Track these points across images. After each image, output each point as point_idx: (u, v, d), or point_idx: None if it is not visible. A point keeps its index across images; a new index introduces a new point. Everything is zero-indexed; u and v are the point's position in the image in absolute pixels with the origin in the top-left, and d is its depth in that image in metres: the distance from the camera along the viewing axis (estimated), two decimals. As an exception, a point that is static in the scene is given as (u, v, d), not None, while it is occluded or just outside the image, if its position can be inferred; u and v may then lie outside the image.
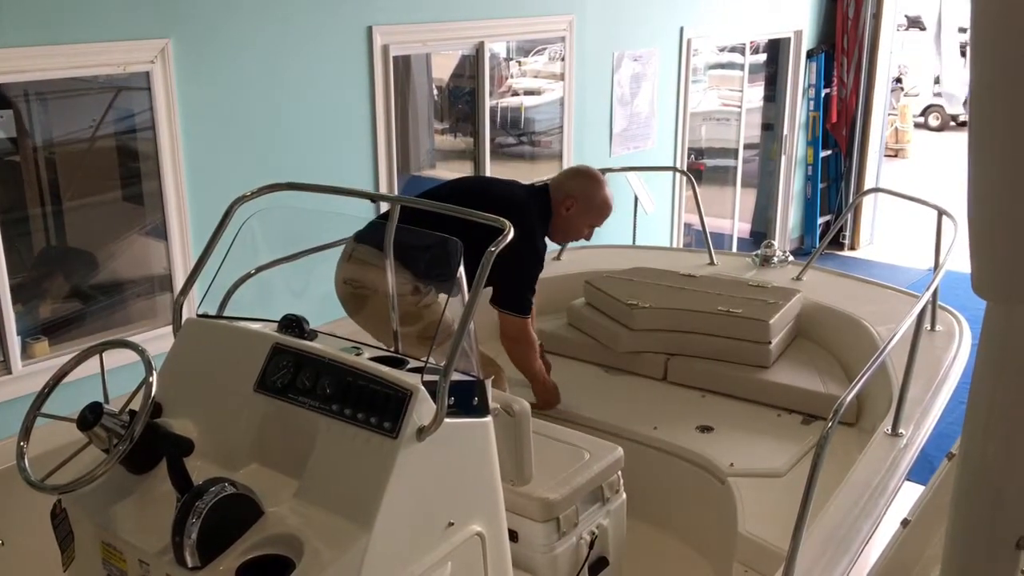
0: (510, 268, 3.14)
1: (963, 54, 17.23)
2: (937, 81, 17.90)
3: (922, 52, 18.60)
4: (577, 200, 3.35)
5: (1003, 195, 0.87)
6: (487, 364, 3.18)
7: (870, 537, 2.41)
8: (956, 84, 17.95)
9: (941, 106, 18.46)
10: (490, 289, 3.27)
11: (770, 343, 3.60)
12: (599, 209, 3.41)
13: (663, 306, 3.75)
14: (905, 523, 2.27)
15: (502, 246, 2.06)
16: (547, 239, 3.43)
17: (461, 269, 2.18)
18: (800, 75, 9.00)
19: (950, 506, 1.03)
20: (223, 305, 2.43)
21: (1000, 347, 0.93)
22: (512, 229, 2.10)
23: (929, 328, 3.55)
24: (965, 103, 16.84)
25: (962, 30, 18.14)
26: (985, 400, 0.95)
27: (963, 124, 17.49)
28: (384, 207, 3.46)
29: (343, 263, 3.03)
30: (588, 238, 3.53)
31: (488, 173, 6.22)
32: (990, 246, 0.90)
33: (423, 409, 1.89)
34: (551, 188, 3.38)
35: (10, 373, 4.10)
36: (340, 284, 3.05)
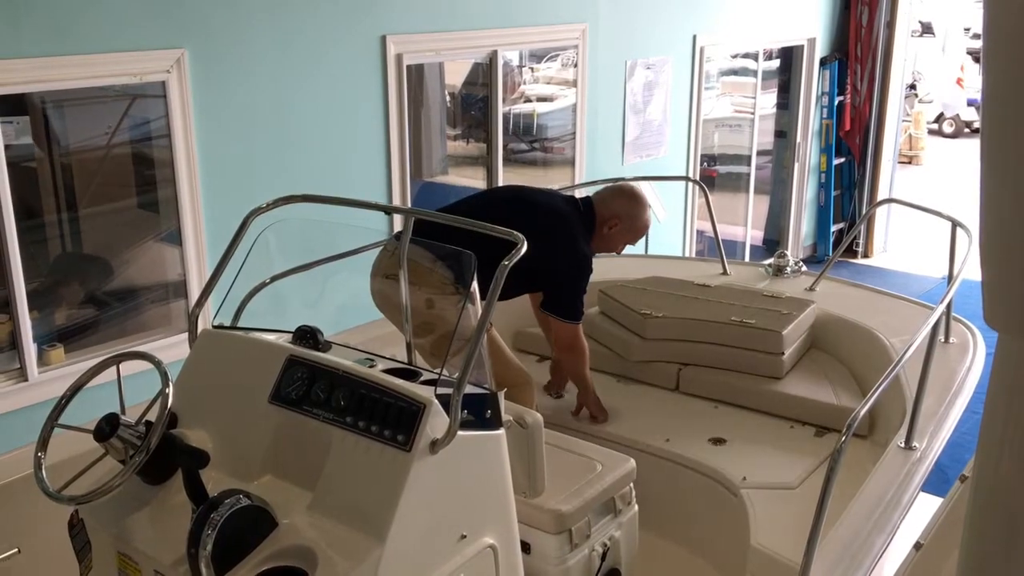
0: (561, 275, 3.24)
1: (976, 60, 17.14)
2: (913, 86, 17.62)
3: (934, 58, 18.52)
4: (622, 220, 3.42)
5: (1016, 227, 0.87)
6: (519, 373, 3.20)
7: (883, 551, 2.41)
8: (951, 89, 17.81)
9: (956, 113, 18.37)
10: (509, 299, 3.30)
11: (783, 354, 3.60)
12: (639, 231, 3.51)
13: (676, 315, 3.75)
14: (918, 546, 2.26)
15: (515, 259, 2.07)
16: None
17: (475, 284, 2.18)
18: (813, 83, 8.98)
19: (963, 532, 1.03)
20: (238, 315, 2.44)
21: (1013, 378, 0.93)
22: (525, 243, 2.10)
23: (943, 340, 3.54)
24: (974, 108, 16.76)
25: (970, 33, 18.06)
26: (998, 429, 0.95)
27: (977, 131, 17.38)
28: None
29: (384, 259, 3.06)
30: (619, 253, 3.62)
31: (500, 180, 6.24)
32: (1003, 276, 0.90)
33: (436, 422, 1.90)
34: (595, 204, 3.44)
35: (26, 380, 4.13)
36: (380, 279, 3.06)
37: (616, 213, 3.42)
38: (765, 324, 3.63)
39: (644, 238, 6.46)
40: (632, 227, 3.46)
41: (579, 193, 5.66)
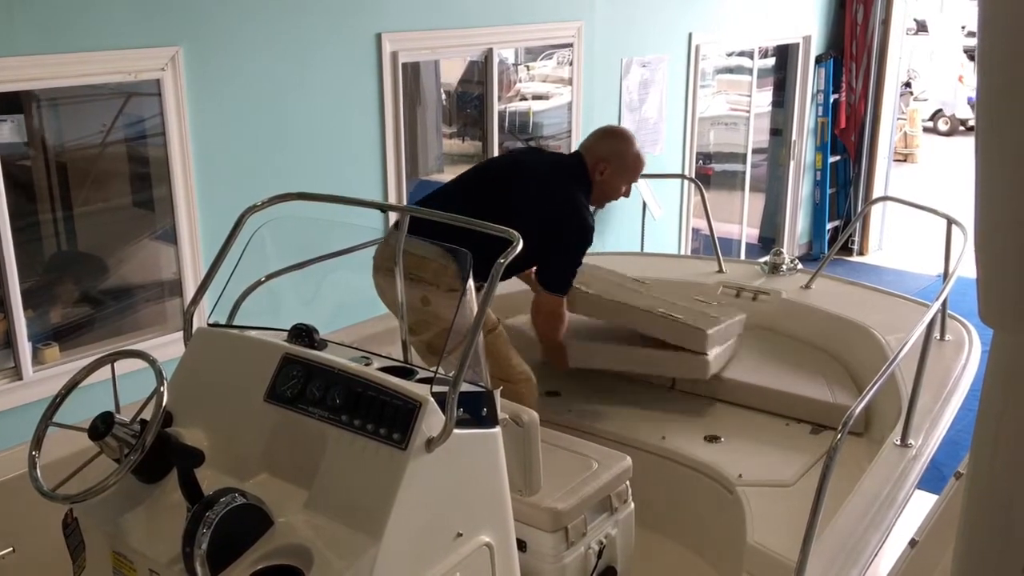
0: (558, 246, 3.15)
1: (971, 58, 17.16)
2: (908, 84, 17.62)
3: (929, 55, 18.54)
4: (610, 163, 3.29)
5: (1011, 225, 0.87)
6: (521, 371, 3.19)
7: (879, 549, 2.41)
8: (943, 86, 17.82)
9: (952, 112, 18.41)
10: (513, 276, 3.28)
11: (707, 354, 3.47)
12: (633, 167, 3.36)
13: (607, 296, 3.59)
14: (913, 543, 2.26)
15: (511, 258, 2.06)
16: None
17: (471, 281, 2.18)
18: (809, 80, 8.98)
19: (957, 529, 1.03)
20: (233, 314, 2.44)
21: (1008, 377, 0.93)
22: (520, 241, 2.10)
23: (939, 337, 3.54)
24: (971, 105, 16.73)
25: (966, 31, 18.08)
26: (992, 427, 0.96)
27: (972, 129, 17.37)
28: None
29: (382, 252, 3.05)
30: (627, 195, 3.47)
31: (496, 179, 6.22)
32: (997, 275, 0.90)
33: (432, 420, 1.90)
34: (584, 154, 3.33)
35: (21, 379, 4.12)
36: (379, 273, 3.05)
37: (601, 156, 3.30)
38: (692, 321, 3.52)
39: (640, 236, 6.42)
40: (623, 166, 3.32)
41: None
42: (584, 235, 3.19)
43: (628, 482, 2.78)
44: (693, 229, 8.08)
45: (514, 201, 3.18)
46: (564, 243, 3.18)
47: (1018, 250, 0.87)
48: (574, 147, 6.66)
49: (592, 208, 3.36)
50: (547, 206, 3.18)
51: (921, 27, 19.45)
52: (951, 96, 18.25)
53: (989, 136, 0.91)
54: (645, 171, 3.50)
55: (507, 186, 3.27)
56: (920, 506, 2.63)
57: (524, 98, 6.76)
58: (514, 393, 2.87)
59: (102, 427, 1.93)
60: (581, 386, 3.70)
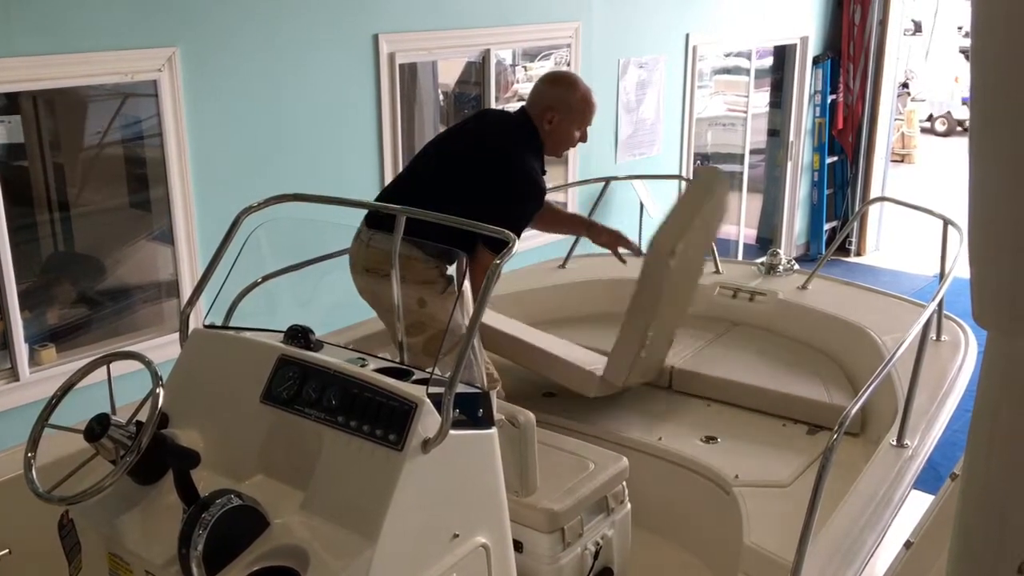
0: (501, 200, 2.98)
1: (967, 58, 17.17)
2: (905, 85, 17.64)
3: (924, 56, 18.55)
4: (556, 110, 3.17)
5: (1004, 226, 0.87)
6: (487, 375, 3.17)
7: (875, 549, 2.41)
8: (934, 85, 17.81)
9: (948, 111, 18.42)
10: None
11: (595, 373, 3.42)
12: (581, 110, 3.23)
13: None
14: (908, 544, 2.26)
15: (507, 258, 2.06)
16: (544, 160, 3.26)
17: (467, 283, 2.18)
18: (806, 81, 8.99)
19: (952, 530, 1.03)
20: (229, 315, 2.44)
21: (1002, 378, 0.94)
22: (516, 242, 2.10)
23: (935, 338, 3.54)
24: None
25: (963, 32, 18.09)
26: (987, 428, 0.96)
27: (968, 130, 17.36)
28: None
29: (361, 250, 2.97)
30: (584, 140, 3.35)
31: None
32: (991, 276, 0.90)
33: (428, 421, 1.90)
34: (528, 108, 3.21)
35: (18, 380, 4.11)
36: (361, 273, 2.99)
37: (547, 106, 3.17)
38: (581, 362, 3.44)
39: (638, 237, 6.41)
40: (569, 110, 3.18)
41: (573, 196, 5.66)
42: (525, 187, 3.05)
43: (624, 483, 2.78)
44: (691, 230, 8.07)
45: (456, 170, 3.09)
46: (505, 195, 3.03)
47: (1011, 251, 0.87)
48: (571, 148, 6.68)
49: (544, 160, 3.24)
50: (485, 166, 3.08)
51: (918, 28, 19.47)
52: (948, 96, 18.27)
53: (982, 137, 0.91)
54: (642, 172, 3.48)
55: (448, 158, 3.18)
56: (916, 507, 2.63)
57: (522, 99, 6.72)
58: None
59: (98, 428, 1.93)
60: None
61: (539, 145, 3.19)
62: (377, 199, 3.17)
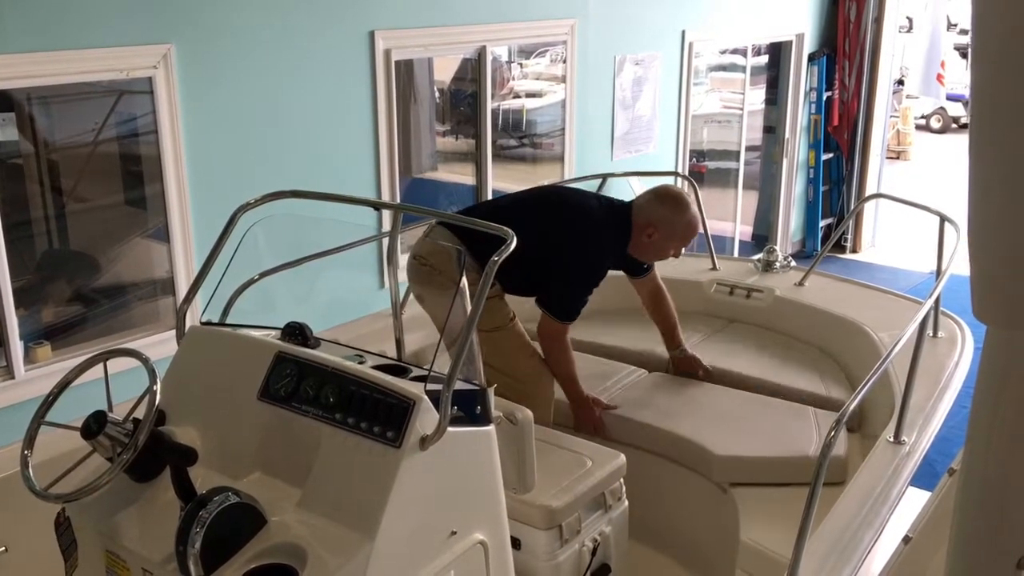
0: (556, 268, 3.17)
1: (963, 55, 17.16)
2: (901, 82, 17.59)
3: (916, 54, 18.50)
4: (658, 228, 3.30)
5: (1004, 222, 0.87)
6: (528, 374, 3.20)
7: (872, 546, 2.41)
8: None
9: (943, 108, 18.43)
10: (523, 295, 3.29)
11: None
12: (683, 234, 3.36)
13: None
14: (907, 540, 2.26)
15: (504, 256, 2.06)
16: (627, 257, 3.40)
17: (464, 279, 2.18)
18: (802, 78, 8.99)
19: (951, 525, 1.03)
20: (226, 312, 2.43)
21: (1001, 372, 0.94)
22: (515, 239, 2.10)
23: (931, 335, 3.55)
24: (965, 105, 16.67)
25: (956, 28, 18.06)
26: (986, 423, 0.96)
27: (964, 126, 17.40)
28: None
29: (420, 239, 3.13)
30: (677, 256, 3.46)
31: (490, 176, 6.23)
32: (991, 271, 0.90)
33: (426, 419, 1.90)
34: (633, 210, 3.34)
35: (13, 378, 4.10)
36: (410, 258, 3.13)
37: (651, 221, 3.30)
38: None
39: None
40: (672, 233, 3.32)
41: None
42: (581, 265, 3.19)
43: (622, 480, 2.79)
44: (687, 227, 8.07)
45: (542, 227, 3.21)
46: (561, 265, 3.18)
47: (1011, 247, 0.87)
48: (568, 144, 6.69)
49: (624, 259, 3.39)
50: (560, 231, 3.20)
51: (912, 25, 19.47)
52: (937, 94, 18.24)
53: (982, 133, 0.91)
54: (638, 168, 3.51)
55: (544, 212, 3.31)
56: (914, 503, 2.63)
57: (518, 96, 6.75)
58: (518, 392, 2.86)
59: (94, 426, 1.92)
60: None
61: (624, 239, 3.30)
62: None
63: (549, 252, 3.14)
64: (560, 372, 3.31)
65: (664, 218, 3.30)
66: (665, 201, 3.35)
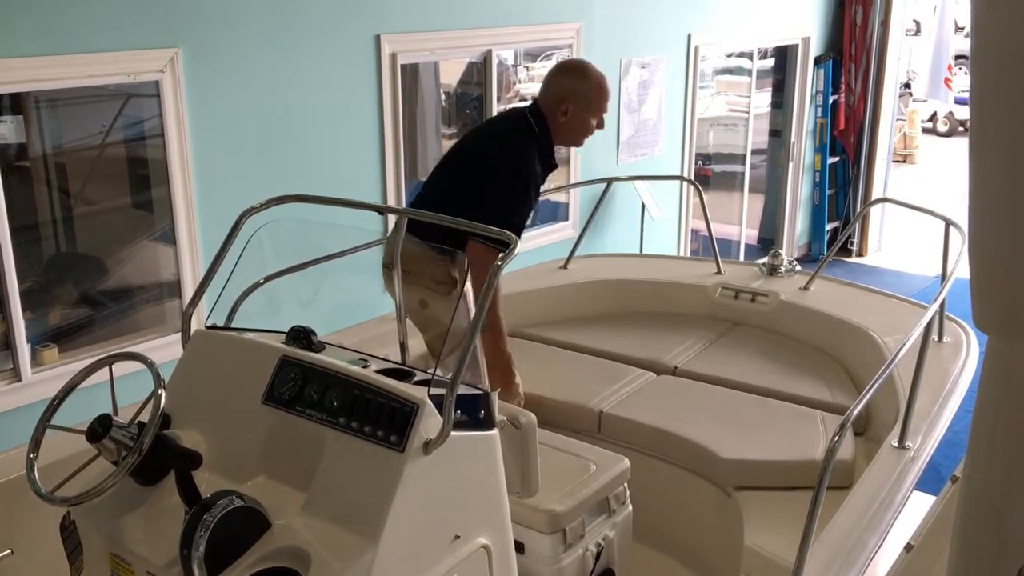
0: (492, 186, 3.00)
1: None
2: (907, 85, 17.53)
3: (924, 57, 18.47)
4: (570, 101, 3.14)
5: (1004, 230, 0.87)
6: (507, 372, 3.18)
7: (877, 551, 2.41)
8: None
9: (951, 111, 18.38)
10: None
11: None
12: (596, 99, 3.20)
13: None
14: (909, 548, 2.26)
15: (508, 260, 2.06)
16: (554, 152, 3.24)
17: (469, 284, 2.18)
18: (808, 82, 8.99)
19: (952, 534, 1.03)
20: (231, 316, 2.44)
21: (1003, 381, 0.93)
22: (517, 244, 2.10)
23: (937, 339, 3.54)
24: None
25: (963, 31, 18.02)
26: (988, 432, 0.96)
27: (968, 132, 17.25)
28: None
29: (385, 246, 3.04)
30: (602, 127, 3.31)
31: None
32: (991, 281, 0.90)
33: (430, 423, 1.90)
34: (540, 102, 3.18)
35: (20, 380, 4.12)
36: (383, 269, 3.03)
37: (561, 97, 3.14)
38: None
39: (639, 237, 6.39)
40: (585, 101, 3.16)
41: (575, 196, 5.65)
42: (517, 171, 3.01)
43: (626, 484, 2.78)
44: (692, 231, 8.08)
45: (459, 168, 3.13)
46: (496, 181, 3.03)
47: (1011, 255, 0.87)
48: (573, 149, 6.68)
49: (552, 154, 3.22)
50: (483, 159, 3.10)
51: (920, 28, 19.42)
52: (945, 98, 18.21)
53: (982, 141, 0.91)
54: (643, 172, 3.48)
55: (454, 158, 3.21)
56: (918, 507, 2.63)
57: (523, 99, 6.75)
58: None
59: (100, 429, 1.93)
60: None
61: (543, 137, 3.16)
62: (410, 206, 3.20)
63: (477, 180, 3.02)
64: (492, 317, 3.03)
65: (572, 88, 3.16)
66: (567, 72, 3.24)
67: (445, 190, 3.11)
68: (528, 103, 3.27)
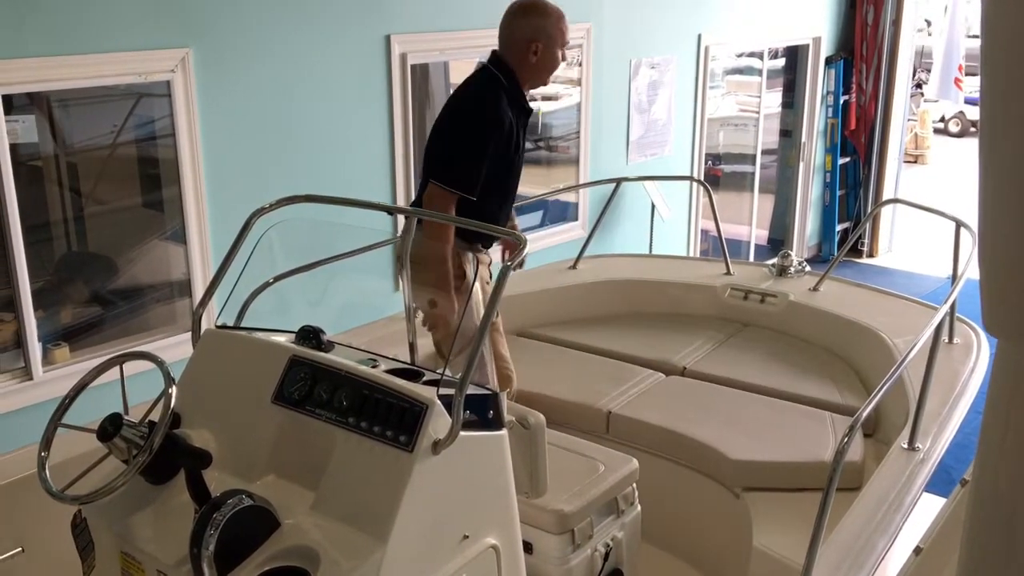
0: (449, 129, 3.06)
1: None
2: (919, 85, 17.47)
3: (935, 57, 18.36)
4: (539, 39, 3.19)
5: (1014, 232, 0.87)
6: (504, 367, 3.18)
7: (886, 553, 2.40)
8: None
9: (962, 111, 18.30)
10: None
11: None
12: (560, 31, 3.24)
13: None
14: (918, 550, 2.25)
15: (516, 261, 2.07)
16: (526, 96, 3.27)
17: (477, 285, 2.19)
18: (819, 82, 8.96)
19: (962, 538, 1.02)
20: (241, 315, 2.45)
21: (1013, 385, 0.93)
22: (526, 244, 2.11)
23: (947, 340, 3.53)
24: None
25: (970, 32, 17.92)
26: (997, 436, 0.95)
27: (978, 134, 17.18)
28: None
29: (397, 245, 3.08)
30: (565, 59, 3.35)
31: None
32: (1001, 283, 0.90)
33: (439, 423, 1.90)
34: (502, 51, 3.22)
35: (31, 379, 4.14)
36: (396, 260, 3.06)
37: (530, 37, 3.18)
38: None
39: (649, 238, 6.40)
40: (552, 36, 3.20)
41: (584, 196, 5.66)
42: (472, 125, 3.03)
43: (635, 484, 2.78)
44: (702, 231, 8.07)
45: (428, 150, 3.17)
46: (453, 124, 3.06)
47: (1021, 259, 0.87)
48: (583, 147, 6.68)
49: (521, 98, 3.24)
50: (441, 125, 3.14)
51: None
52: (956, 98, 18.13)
53: (992, 142, 0.91)
54: (653, 172, 3.48)
55: (429, 140, 3.26)
56: (928, 510, 2.62)
57: (533, 99, 6.75)
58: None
59: (110, 428, 1.94)
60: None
61: (511, 85, 3.18)
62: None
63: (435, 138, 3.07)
64: (437, 252, 2.91)
65: (537, 27, 3.19)
66: (525, 13, 3.24)
67: (422, 176, 3.12)
68: (487, 57, 3.27)
